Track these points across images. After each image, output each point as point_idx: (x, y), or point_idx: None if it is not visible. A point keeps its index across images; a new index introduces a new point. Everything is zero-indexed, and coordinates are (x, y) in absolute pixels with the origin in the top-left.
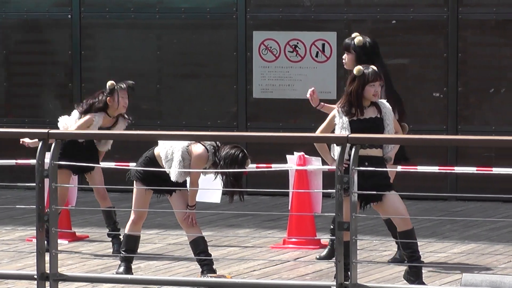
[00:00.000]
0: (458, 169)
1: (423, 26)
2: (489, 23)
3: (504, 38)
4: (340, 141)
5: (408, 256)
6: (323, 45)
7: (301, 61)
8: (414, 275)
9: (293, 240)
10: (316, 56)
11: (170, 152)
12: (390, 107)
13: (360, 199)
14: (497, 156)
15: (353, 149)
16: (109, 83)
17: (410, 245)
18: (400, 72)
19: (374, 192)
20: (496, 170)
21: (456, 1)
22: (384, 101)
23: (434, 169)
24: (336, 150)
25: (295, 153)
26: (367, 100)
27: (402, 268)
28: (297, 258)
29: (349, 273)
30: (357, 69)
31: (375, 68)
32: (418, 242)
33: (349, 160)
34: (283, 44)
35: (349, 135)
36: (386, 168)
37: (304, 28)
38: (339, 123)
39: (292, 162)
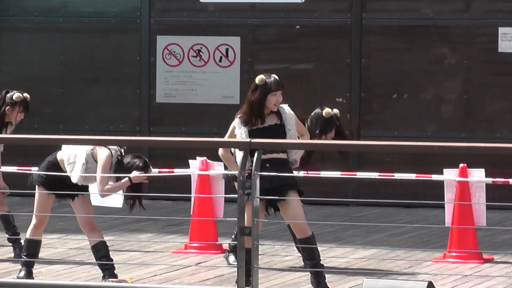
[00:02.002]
0: (360, 175)
1: (327, 31)
2: (392, 29)
3: (407, 43)
4: (243, 146)
5: (311, 266)
6: (227, 50)
7: (204, 66)
8: (317, 284)
9: (195, 245)
10: (220, 61)
11: (73, 155)
12: (292, 112)
13: (266, 201)
14: (399, 162)
15: (255, 155)
16: (16, 95)
17: (311, 256)
18: (303, 77)
19: (276, 197)
20: (398, 176)
21: (359, 6)
22: (285, 106)
23: (337, 174)
24: (238, 156)
25: (197, 158)
26: (268, 109)
27: (303, 274)
28: (199, 263)
29: (250, 278)
30: (259, 78)
31: (276, 77)
32: (319, 248)
33: (251, 165)
34: (186, 49)
35: (251, 140)
36: (290, 169)
37: (208, 33)
38: (239, 133)
39: (194, 167)
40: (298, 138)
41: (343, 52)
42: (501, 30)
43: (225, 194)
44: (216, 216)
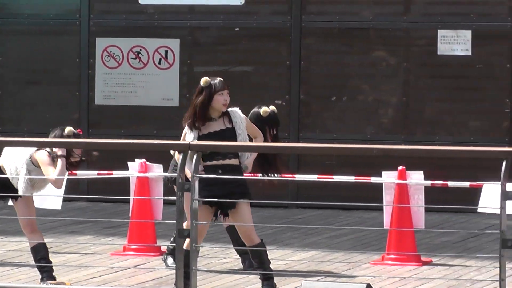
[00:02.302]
0: (299, 177)
1: (266, 33)
2: (332, 32)
3: (346, 46)
4: (182, 148)
5: (262, 272)
6: (166, 52)
7: (144, 68)
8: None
9: (133, 247)
10: (159, 63)
11: (14, 169)
12: (243, 116)
13: (216, 206)
14: (338, 164)
15: (195, 157)
16: None
17: (261, 262)
18: (243, 79)
19: (213, 199)
20: (336, 178)
21: (299, 9)
22: (235, 109)
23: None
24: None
25: (136, 160)
26: (217, 111)
27: (241, 276)
28: (137, 265)
29: (189, 280)
30: (203, 80)
31: (221, 79)
32: (258, 250)
33: (203, 170)
34: (126, 51)
35: (190, 143)
36: (242, 176)
37: (147, 35)
38: (190, 138)
39: (133, 169)
40: (252, 141)
41: (283, 55)
42: (440, 32)
43: (164, 196)
44: (155, 218)
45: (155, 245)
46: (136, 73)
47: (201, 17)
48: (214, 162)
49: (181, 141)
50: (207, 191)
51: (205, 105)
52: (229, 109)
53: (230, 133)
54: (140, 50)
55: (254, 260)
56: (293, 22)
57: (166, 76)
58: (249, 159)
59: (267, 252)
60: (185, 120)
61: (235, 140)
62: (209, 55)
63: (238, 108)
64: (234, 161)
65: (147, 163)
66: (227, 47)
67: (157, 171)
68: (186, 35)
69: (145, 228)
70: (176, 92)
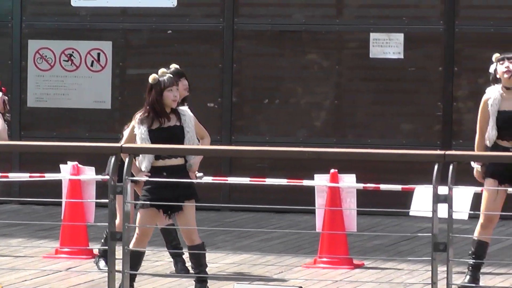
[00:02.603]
0: (232, 180)
1: (199, 36)
2: (264, 34)
3: (279, 49)
4: (114, 151)
5: (197, 273)
6: (99, 54)
7: (76, 70)
8: None
9: (66, 250)
10: (92, 65)
11: None
12: (191, 114)
13: (164, 209)
14: (270, 167)
15: (127, 159)
16: None
17: (198, 264)
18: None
19: (141, 202)
20: (269, 181)
21: (232, 11)
22: (184, 108)
23: (208, 179)
24: (137, 161)
25: (68, 162)
26: (168, 107)
27: (174, 279)
28: (69, 268)
29: (121, 283)
30: (152, 77)
31: (171, 75)
32: (190, 253)
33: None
34: (58, 53)
35: (122, 145)
36: (188, 177)
37: (79, 37)
38: (138, 133)
39: (65, 172)
40: (199, 141)
41: (215, 57)
42: (372, 35)
43: (96, 198)
44: (87, 221)
45: (87, 248)
46: (68, 75)
47: (133, 20)
48: (160, 162)
49: (112, 144)
50: (155, 194)
51: (157, 102)
52: (179, 108)
53: (179, 131)
54: (73, 52)
55: (192, 261)
56: (226, 25)
57: (98, 79)
58: (195, 158)
59: (206, 255)
60: (140, 114)
61: (183, 138)
62: (142, 57)
63: (187, 106)
64: (179, 161)
65: (79, 165)
66: (160, 50)
67: (89, 173)
68: (118, 38)
69: (77, 230)
70: (109, 95)
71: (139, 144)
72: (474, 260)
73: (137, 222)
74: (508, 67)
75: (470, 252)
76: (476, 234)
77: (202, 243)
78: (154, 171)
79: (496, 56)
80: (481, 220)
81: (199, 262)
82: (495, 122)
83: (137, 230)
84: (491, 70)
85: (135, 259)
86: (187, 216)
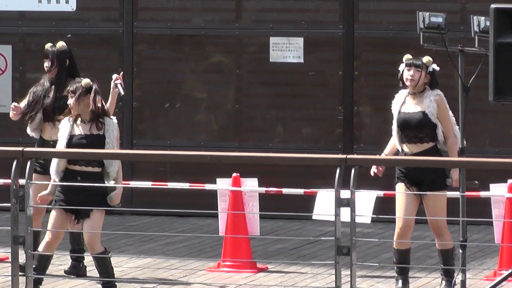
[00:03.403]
0: (133, 184)
1: (98, 40)
2: (163, 38)
3: (179, 53)
4: (16, 154)
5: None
6: None
7: None
8: None
9: None
10: None
11: None
12: (116, 124)
13: (74, 213)
14: (172, 171)
15: (28, 163)
16: None
17: (104, 269)
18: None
19: (50, 206)
20: (171, 185)
21: (131, 15)
22: (112, 118)
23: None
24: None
25: None
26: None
27: (80, 282)
28: None
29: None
30: (85, 82)
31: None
32: (91, 257)
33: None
34: None
35: (24, 149)
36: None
37: None
38: (63, 138)
39: None
40: None
41: (115, 61)
42: (272, 39)
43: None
44: None
45: None
46: None
47: (32, 24)
48: (77, 167)
49: (13, 148)
50: (63, 196)
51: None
52: (106, 117)
53: (100, 140)
54: None
55: (98, 268)
56: (125, 29)
57: None
58: (117, 190)
59: (111, 260)
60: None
61: (103, 147)
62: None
63: (115, 117)
64: (96, 169)
65: None
66: None
67: None
68: (17, 42)
69: None
70: (9, 99)
71: (43, 149)
72: (397, 265)
73: (49, 224)
74: (412, 75)
75: (393, 261)
76: (395, 245)
77: (105, 249)
78: (69, 175)
79: (406, 57)
80: (397, 229)
81: (106, 269)
82: (395, 124)
83: (48, 233)
84: (400, 68)
85: (42, 262)
86: (93, 222)
